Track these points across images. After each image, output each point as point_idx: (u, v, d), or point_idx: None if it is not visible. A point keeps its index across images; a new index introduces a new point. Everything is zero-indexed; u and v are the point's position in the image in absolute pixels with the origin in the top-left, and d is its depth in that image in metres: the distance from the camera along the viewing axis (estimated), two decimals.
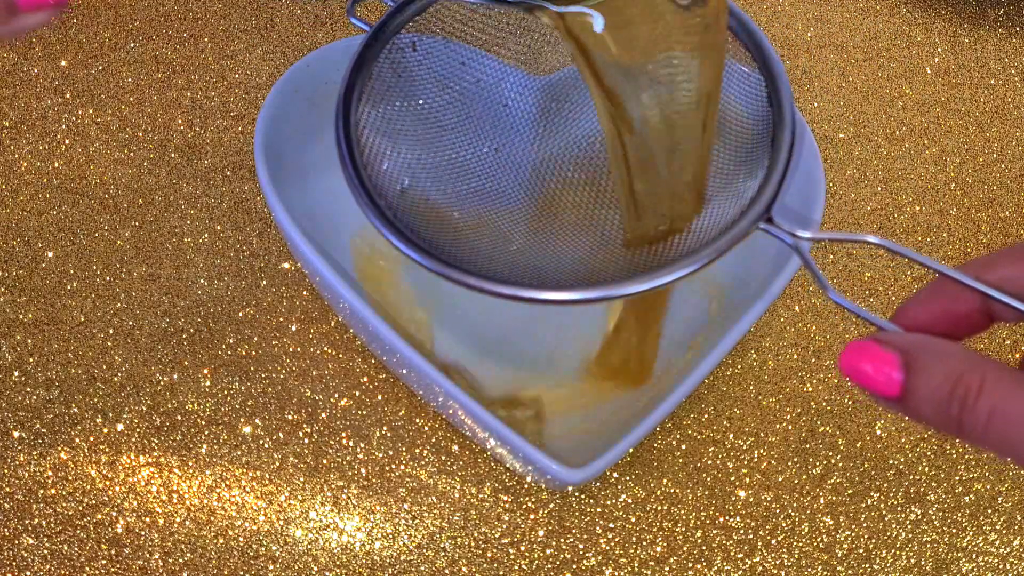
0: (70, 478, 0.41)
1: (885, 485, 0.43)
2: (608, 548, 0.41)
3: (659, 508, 0.42)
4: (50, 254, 0.46)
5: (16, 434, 0.42)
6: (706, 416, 0.44)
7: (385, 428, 0.43)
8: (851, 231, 0.50)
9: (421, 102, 0.36)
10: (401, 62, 0.35)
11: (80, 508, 0.40)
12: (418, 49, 0.36)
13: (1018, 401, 0.23)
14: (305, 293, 0.46)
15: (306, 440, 0.42)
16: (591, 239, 0.36)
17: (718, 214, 0.32)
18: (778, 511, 0.42)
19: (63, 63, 0.51)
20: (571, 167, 0.38)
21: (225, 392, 0.43)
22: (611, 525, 0.42)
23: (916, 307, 0.27)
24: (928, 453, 0.44)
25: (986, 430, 0.23)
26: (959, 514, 0.43)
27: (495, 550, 0.41)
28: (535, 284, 0.30)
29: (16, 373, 0.43)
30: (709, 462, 0.43)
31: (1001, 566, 0.42)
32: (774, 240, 0.30)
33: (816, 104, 0.54)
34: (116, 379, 0.43)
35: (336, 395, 0.43)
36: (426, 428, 0.43)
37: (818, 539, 0.42)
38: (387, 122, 0.34)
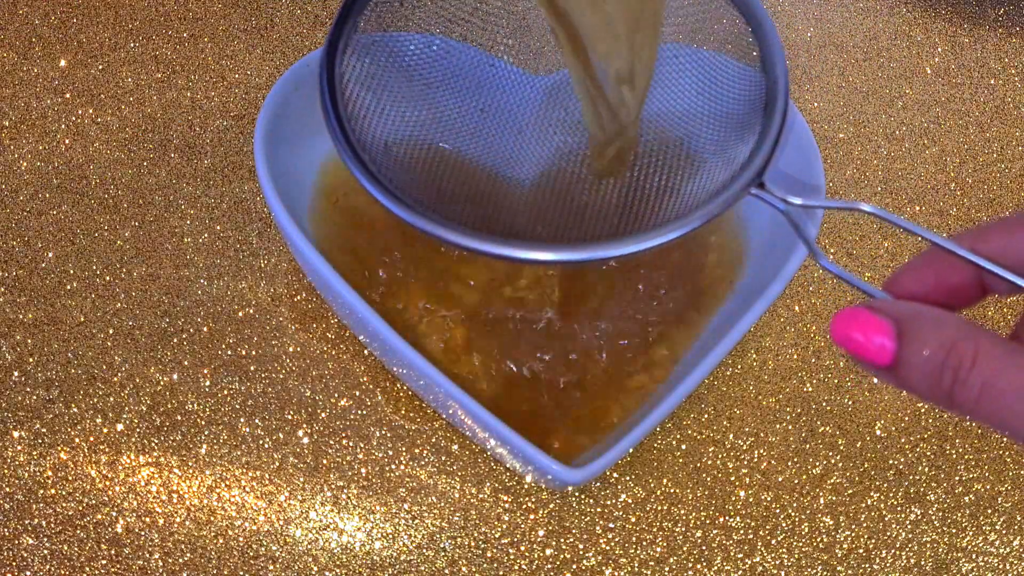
0: (70, 478, 0.41)
1: (885, 485, 0.43)
2: (608, 548, 0.41)
3: (659, 508, 0.42)
4: (50, 254, 0.46)
5: (16, 434, 0.42)
6: (706, 416, 0.44)
7: (385, 428, 0.43)
8: (851, 228, 0.50)
9: (407, 59, 0.36)
10: (388, 16, 0.35)
11: (80, 508, 0.40)
12: (405, 4, 0.35)
13: (1012, 373, 0.22)
14: (305, 293, 0.46)
15: (306, 440, 0.42)
16: (579, 201, 0.35)
17: (710, 179, 0.32)
18: (778, 511, 0.43)
19: (63, 63, 0.51)
20: (559, 130, 0.38)
21: (225, 392, 0.43)
22: (611, 525, 0.42)
23: (908, 276, 0.27)
24: (928, 453, 0.44)
25: (978, 402, 0.23)
26: (959, 514, 0.43)
27: (495, 550, 0.41)
28: (520, 243, 0.30)
29: (16, 373, 0.43)
30: (709, 462, 0.43)
31: (1001, 566, 0.42)
32: (770, 237, 0.30)
33: (816, 104, 0.54)
34: (116, 379, 0.43)
35: (336, 395, 0.43)
36: (426, 428, 0.43)
37: (818, 539, 0.42)
38: (372, 77, 0.34)
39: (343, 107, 0.32)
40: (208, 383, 0.43)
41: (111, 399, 0.43)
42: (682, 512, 0.42)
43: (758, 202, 0.30)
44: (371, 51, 0.34)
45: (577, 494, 0.42)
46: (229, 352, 0.44)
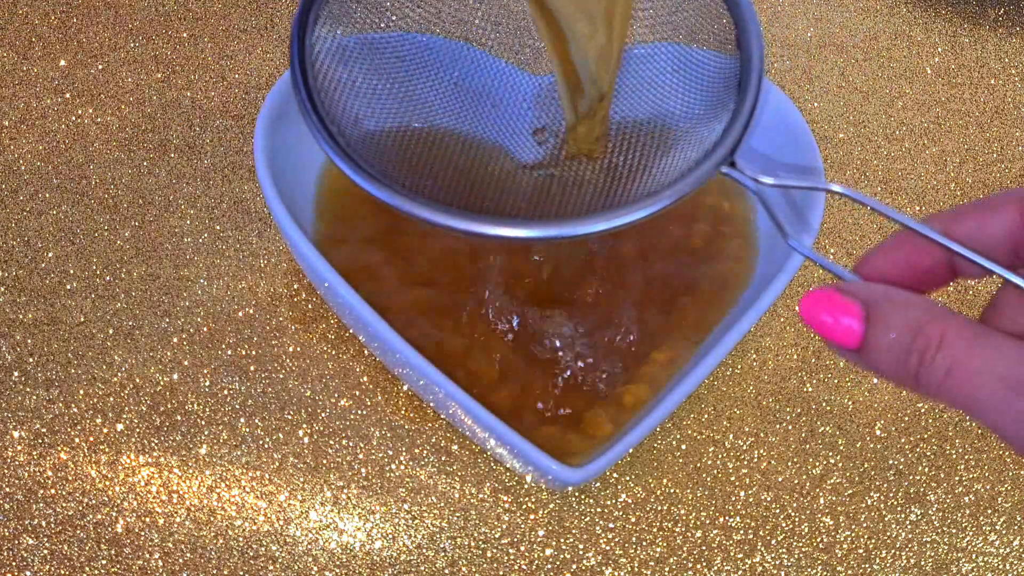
0: (70, 478, 0.41)
1: (885, 485, 0.43)
2: (608, 548, 0.41)
3: (659, 508, 0.42)
4: (50, 254, 0.46)
5: (16, 434, 0.42)
6: (706, 416, 0.44)
7: (385, 428, 0.43)
8: (851, 228, 0.50)
9: (380, 32, 0.35)
10: None
11: (80, 508, 0.40)
12: None
13: (978, 357, 0.22)
14: (305, 293, 0.46)
15: (306, 440, 0.42)
16: (556, 179, 0.35)
17: (682, 158, 0.32)
18: (778, 511, 0.42)
19: (63, 63, 0.51)
20: (535, 105, 0.37)
21: (225, 392, 0.43)
22: (611, 525, 0.42)
23: (878, 258, 0.26)
24: (928, 453, 0.44)
25: (943, 385, 0.23)
26: (959, 514, 0.43)
27: (495, 550, 0.41)
28: (490, 219, 0.30)
29: (16, 373, 0.43)
30: (709, 462, 0.43)
31: (1001, 566, 0.42)
32: (776, 239, 0.30)
33: (816, 104, 0.54)
34: (116, 379, 0.43)
35: (336, 395, 0.43)
36: (426, 428, 0.43)
37: (818, 539, 0.42)
38: (343, 49, 0.34)
39: (313, 79, 0.32)
40: (208, 383, 0.43)
41: (111, 399, 0.43)
42: (682, 512, 0.42)
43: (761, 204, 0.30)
44: (343, 23, 0.34)
45: (577, 494, 0.42)
46: (229, 352, 0.44)
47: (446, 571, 0.40)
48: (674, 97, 0.36)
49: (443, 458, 0.42)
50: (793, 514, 0.43)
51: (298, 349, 0.44)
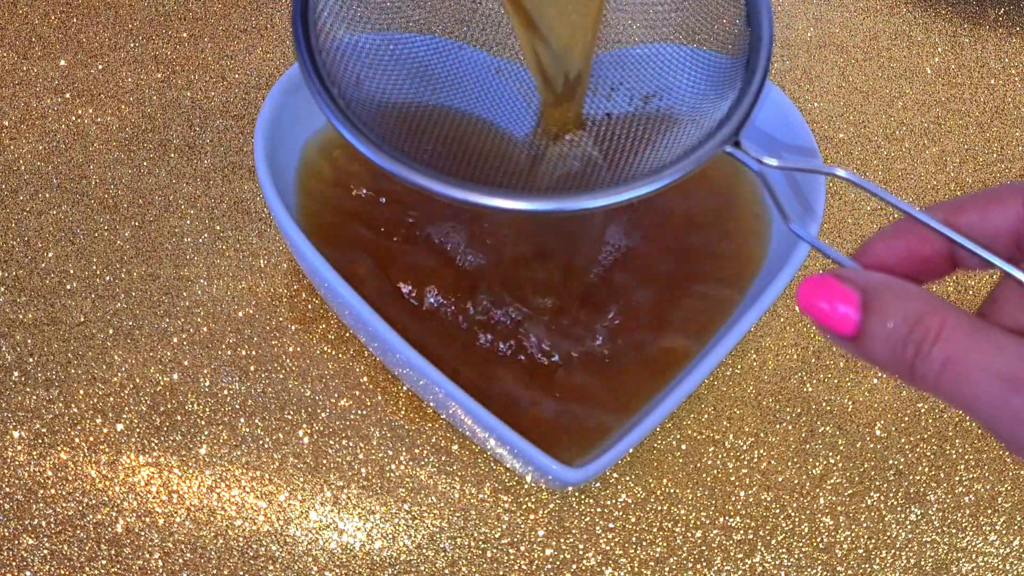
0: (70, 478, 0.41)
1: (885, 485, 0.43)
2: (608, 548, 0.41)
3: (659, 508, 0.42)
4: (50, 254, 0.46)
5: (16, 434, 0.42)
6: (706, 416, 0.44)
7: (385, 428, 0.43)
8: (851, 228, 0.50)
9: (382, 31, 0.35)
10: None
11: (80, 508, 0.40)
12: None
13: (975, 351, 0.22)
14: (305, 293, 0.46)
15: (306, 440, 0.42)
16: (554, 150, 0.35)
17: (686, 136, 0.32)
18: (778, 511, 0.43)
19: (63, 63, 0.51)
20: (533, 78, 0.37)
21: (225, 392, 0.43)
22: (611, 525, 0.42)
23: (879, 246, 0.26)
24: (928, 453, 0.44)
25: (939, 378, 0.22)
26: (959, 514, 0.43)
27: (495, 550, 0.41)
28: (489, 190, 0.29)
29: (16, 373, 0.43)
30: (709, 462, 0.43)
31: (1001, 566, 0.42)
32: (775, 239, 0.30)
33: (816, 104, 0.54)
34: (116, 379, 0.43)
35: (336, 395, 0.43)
36: (426, 428, 0.43)
37: (818, 539, 0.42)
38: (347, 8, 0.33)
39: (315, 38, 0.32)
40: (208, 383, 0.43)
41: (111, 399, 0.43)
42: (682, 512, 0.42)
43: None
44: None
45: (577, 494, 0.42)
46: (229, 352, 0.44)
47: (446, 571, 0.40)
48: (679, 73, 0.35)
49: (443, 458, 0.42)
50: (793, 514, 0.43)
51: (298, 349, 0.44)
